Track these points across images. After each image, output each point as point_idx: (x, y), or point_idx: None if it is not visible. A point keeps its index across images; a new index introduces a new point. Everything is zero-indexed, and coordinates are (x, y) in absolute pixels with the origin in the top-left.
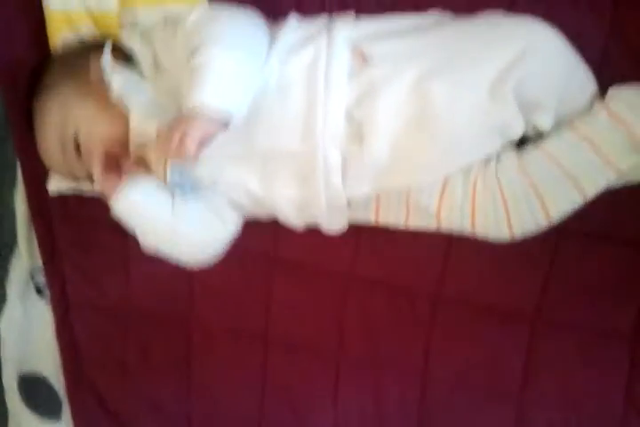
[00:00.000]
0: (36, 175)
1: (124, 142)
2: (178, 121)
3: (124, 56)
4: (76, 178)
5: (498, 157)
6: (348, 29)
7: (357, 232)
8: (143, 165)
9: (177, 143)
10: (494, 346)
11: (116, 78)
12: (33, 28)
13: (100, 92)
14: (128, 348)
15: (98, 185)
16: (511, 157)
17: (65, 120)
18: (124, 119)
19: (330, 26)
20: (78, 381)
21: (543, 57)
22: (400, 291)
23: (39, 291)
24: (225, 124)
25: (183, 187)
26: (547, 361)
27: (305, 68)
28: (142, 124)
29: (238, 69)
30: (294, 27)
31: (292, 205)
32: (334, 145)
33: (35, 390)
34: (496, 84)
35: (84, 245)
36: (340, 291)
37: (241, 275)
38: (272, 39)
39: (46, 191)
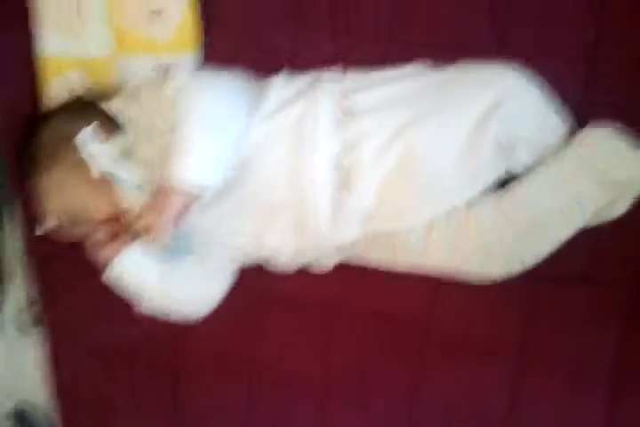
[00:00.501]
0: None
1: (119, 213)
2: (153, 200)
3: (112, 122)
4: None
5: (479, 198)
6: (334, 83)
7: (346, 266)
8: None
9: (154, 223)
10: (479, 380)
11: (98, 159)
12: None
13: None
14: (115, 388)
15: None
16: (490, 202)
17: (59, 200)
18: (113, 194)
19: (317, 80)
20: (73, 414)
21: (519, 102)
22: (388, 323)
23: (35, 323)
24: (199, 196)
25: (175, 249)
26: (530, 397)
27: (292, 123)
28: (130, 202)
29: (211, 147)
30: (280, 85)
31: (284, 253)
32: (323, 195)
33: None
34: (475, 130)
35: (72, 286)
36: (328, 324)
37: (234, 307)
38: (260, 98)
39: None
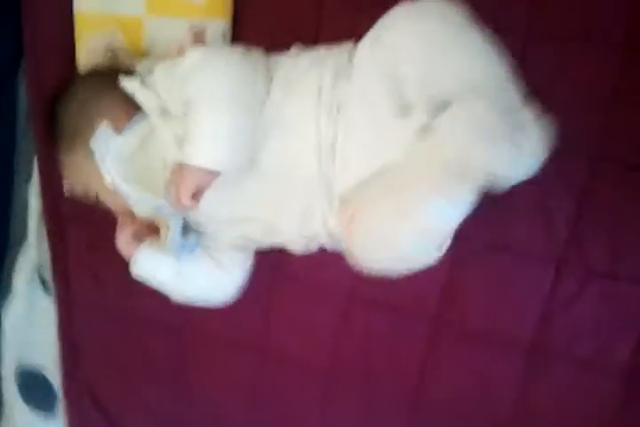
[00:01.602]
0: (52, 174)
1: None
2: (172, 174)
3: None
4: None
5: None
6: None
7: None
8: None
9: (174, 196)
10: (489, 374)
11: (109, 171)
12: (61, 29)
13: None
14: (127, 350)
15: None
16: None
17: (79, 182)
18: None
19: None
20: (74, 378)
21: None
22: (401, 312)
23: (45, 285)
24: (218, 173)
25: (186, 246)
26: (542, 393)
27: (307, 102)
28: (140, 209)
29: (229, 124)
30: (293, 55)
31: (297, 239)
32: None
33: (31, 384)
34: None
35: (91, 246)
36: (341, 309)
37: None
38: (273, 71)
39: (60, 190)
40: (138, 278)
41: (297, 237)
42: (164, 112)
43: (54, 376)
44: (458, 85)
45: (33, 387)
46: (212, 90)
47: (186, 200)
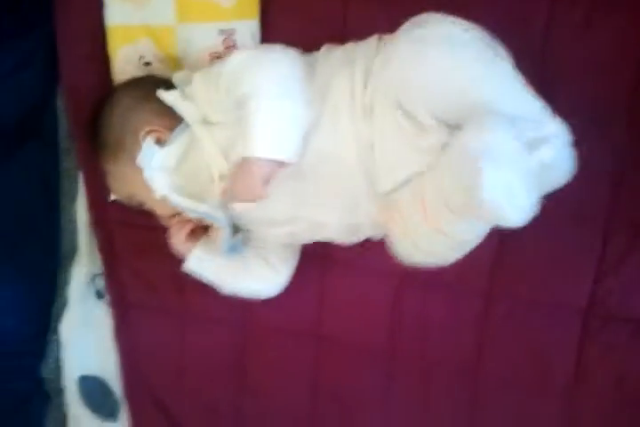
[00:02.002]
0: (98, 185)
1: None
2: (238, 169)
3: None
4: None
5: None
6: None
7: None
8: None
9: (242, 189)
10: (545, 339)
11: (159, 185)
12: (94, 45)
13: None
14: (184, 349)
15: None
16: None
17: (123, 189)
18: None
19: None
20: (136, 382)
21: None
22: (452, 286)
23: (99, 295)
24: (283, 164)
25: (236, 246)
26: (599, 353)
27: (342, 104)
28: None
29: (291, 115)
30: (324, 55)
31: (343, 233)
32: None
33: (94, 392)
34: None
35: (141, 250)
36: (393, 290)
37: (294, 274)
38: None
39: (106, 200)
40: (190, 273)
41: (342, 231)
42: (205, 121)
43: (115, 382)
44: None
45: (96, 395)
46: (268, 85)
47: (260, 190)
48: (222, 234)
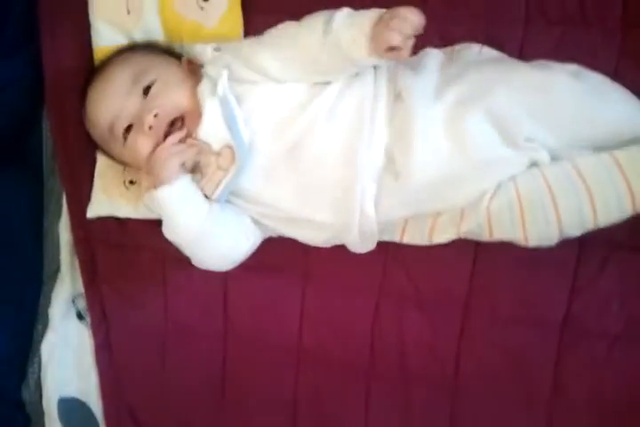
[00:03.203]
0: (81, 204)
1: (190, 121)
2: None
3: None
4: (119, 160)
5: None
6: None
7: (385, 248)
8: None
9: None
10: (523, 353)
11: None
12: (81, 67)
13: (187, 72)
14: (165, 369)
15: (151, 162)
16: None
17: (146, 68)
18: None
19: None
20: (116, 403)
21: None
22: (430, 303)
23: (80, 316)
24: None
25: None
26: (577, 367)
27: (354, 104)
28: (212, 133)
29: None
30: None
31: (322, 229)
32: (372, 178)
33: (73, 414)
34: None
35: (123, 270)
36: (373, 305)
37: (274, 290)
38: None
39: (89, 220)
40: (162, 200)
41: (321, 228)
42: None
43: (95, 404)
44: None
45: (75, 417)
46: None
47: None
48: (231, 172)
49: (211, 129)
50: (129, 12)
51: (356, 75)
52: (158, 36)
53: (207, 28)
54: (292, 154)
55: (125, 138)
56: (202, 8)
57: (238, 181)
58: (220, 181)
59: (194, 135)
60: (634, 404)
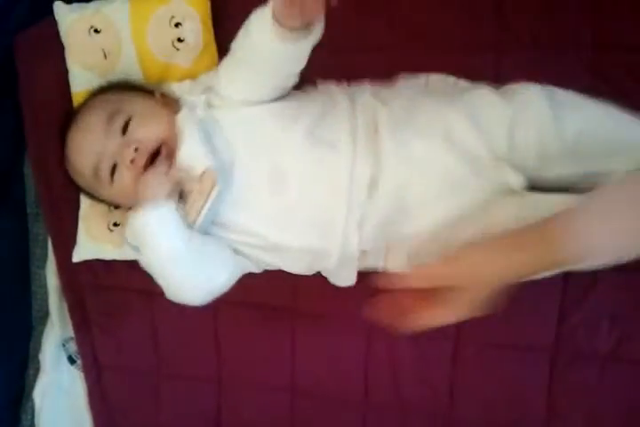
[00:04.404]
0: (66, 248)
1: (169, 150)
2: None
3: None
4: (103, 200)
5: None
6: (366, 94)
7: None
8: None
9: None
10: (516, 381)
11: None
12: (60, 111)
13: (161, 104)
14: (159, 409)
15: (141, 184)
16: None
17: (120, 106)
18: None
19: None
20: None
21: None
22: (422, 334)
23: (71, 360)
24: None
25: (202, 227)
26: (569, 392)
27: (335, 128)
28: (192, 157)
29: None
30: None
31: (301, 255)
32: (357, 204)
33: None
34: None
35: (112, 312)
36: (364, 339)
37: (264, 329)
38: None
39: (76, 264)
40: (144, 223)
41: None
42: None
43: None
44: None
45: None
46: None
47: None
48: (212, 195)
49: (191, 153)
50: (106, 57)
51: (331, 100)
52: (137, 77)
53: (184, 67)
54: (274, 177)
55: (112, 178)
56: (177, 49)
57: (219, 210)
58: (202, 206)
59: (174, 161)
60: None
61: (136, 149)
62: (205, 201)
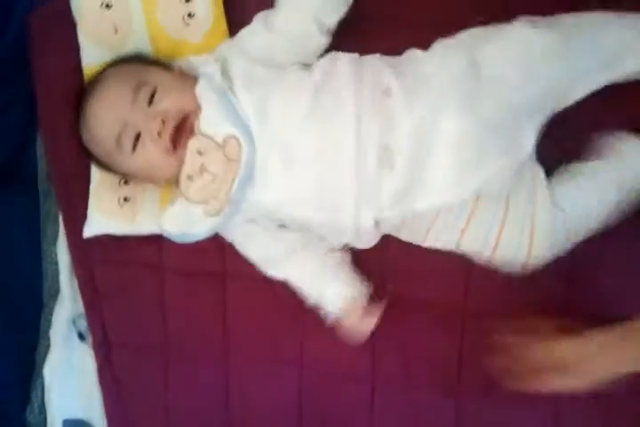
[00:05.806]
0: (77, 225)
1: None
2: None
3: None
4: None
5: (533, 187)
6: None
7: (384, 249)
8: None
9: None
10: None
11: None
12: (71, 87)
13: (181, 77)
14: (169, 386)
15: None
16: (544, 190)
17: (144, 77)
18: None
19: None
20: (120, 423)
21: None
22: (430, 306)
23: (81, 337)
24: None
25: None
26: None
27: (338, 96)
28: (213, 124)
29: None
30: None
31: (321, 227)
32: (368, 174)
33: None
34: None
35: (122, 288)
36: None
37: (273, 305)
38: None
39: (87, 240)
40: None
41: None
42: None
43: (100, 424)
44: None
45: None
46: None
47: None
48: (242, 159)
49: (211, 121)
50: (116, 31)
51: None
52: (147, 52)
53: (193, 42)
54: (284, 151)
55: (135, 147)
56: (188, 24)
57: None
58: (236, 173)
59: (196, 130)
60: None
61: (162, 121)
62: (237, 168)
